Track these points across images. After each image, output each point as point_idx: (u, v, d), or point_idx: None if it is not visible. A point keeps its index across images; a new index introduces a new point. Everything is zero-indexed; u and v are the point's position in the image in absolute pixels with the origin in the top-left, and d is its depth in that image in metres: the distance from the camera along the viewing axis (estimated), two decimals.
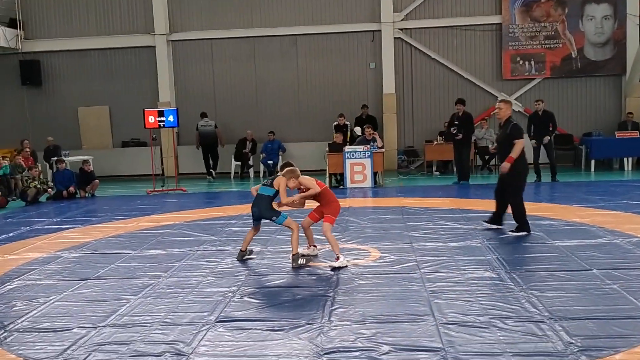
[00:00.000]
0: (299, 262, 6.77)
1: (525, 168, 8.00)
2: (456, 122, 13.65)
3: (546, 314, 4.94)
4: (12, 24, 17.62)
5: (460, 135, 13.51)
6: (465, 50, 17.20)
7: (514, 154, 7.72)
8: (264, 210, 6.94)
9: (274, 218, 6.92)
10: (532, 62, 16.90)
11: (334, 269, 6.59)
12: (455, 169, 14.27)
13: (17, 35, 17.63)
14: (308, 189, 7.05)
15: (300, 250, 7.04)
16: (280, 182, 6.98)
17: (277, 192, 6.98)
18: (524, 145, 7.84)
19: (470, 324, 4.80)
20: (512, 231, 7.94)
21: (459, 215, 9.49)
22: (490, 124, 16.57)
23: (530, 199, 11.11)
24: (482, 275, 6.18)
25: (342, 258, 6.71)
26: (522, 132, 7.91)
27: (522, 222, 7.91)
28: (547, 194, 11.78)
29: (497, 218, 8.27)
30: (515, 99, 16.92)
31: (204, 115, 16.97)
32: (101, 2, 17.83)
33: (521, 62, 16.94)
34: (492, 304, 5.24)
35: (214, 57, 17.80)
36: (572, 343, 4.33)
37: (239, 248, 7.37)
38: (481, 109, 17.04)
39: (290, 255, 6.86)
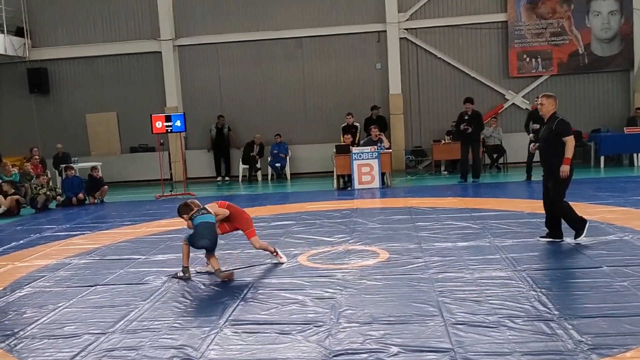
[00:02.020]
0: (225, 273, 6.52)
1: (572, 169, 7.18)
2: (466, 118, 13.66)
3: (556, 312, 4.91)
4: (19, 32, 17.74)
5: (470, 129, 13.49)
6: (471, 49, 17.14)
7: (569, 153, 7.03)
8: (215, 240, 6.62)
9: (214, 247, 6.74)
10: (539, 59, 16.82)
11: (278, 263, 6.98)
12: (462, 167, 14.19)
13: (25, 43, 17.75)
14: (218, 214, 6.79)
15: (200, 267, 6.96)
16: (214, 208, 6.81)
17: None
18: (574, 142, 7.17)
19: (479, 323, 4.77)
20: (576, 239, 7.19)
21: (468, 215, 9.45)
22: (499, 122, 16.51)
23: (539, 197, 11.07)
24: (491, 274, 6.15)
25: (282, 255, 7.12)
26: (571, 128, 7.18)
27: (578, 223, 7.20)
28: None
29: (554, 230, 7.40)
30: (522, 97, 16.85)
31: (220, 117, 17.20)
32: (107, 9, 17.92)
33: (528, 59, 16.86)
34: (501, 304, 5.21)
35: (219, 61, 17.84)
36: (582, 341, 4.30)
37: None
38: (488, 107, 16.96)
39: (215, 271, 6.57)
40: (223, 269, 6.73)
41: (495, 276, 6.08)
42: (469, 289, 5.68)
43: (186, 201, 6.96)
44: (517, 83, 17.04)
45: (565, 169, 7.01)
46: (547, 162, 7.30)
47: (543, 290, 5.50)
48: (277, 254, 7.12)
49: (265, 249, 7.09)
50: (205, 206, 6.81)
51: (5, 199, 12.95)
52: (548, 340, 4.38)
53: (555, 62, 16.77)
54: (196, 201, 6.98)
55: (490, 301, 5.29)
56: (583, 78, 16.92)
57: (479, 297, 5.44)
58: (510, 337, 4.48)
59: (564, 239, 7.33)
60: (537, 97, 13.63)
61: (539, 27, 16.74)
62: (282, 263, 7.04)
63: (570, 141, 7.05)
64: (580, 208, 9.42)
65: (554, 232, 7.37)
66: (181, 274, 6.69)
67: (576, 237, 7.23)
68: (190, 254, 6.79)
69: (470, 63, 17.12)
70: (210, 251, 6.66)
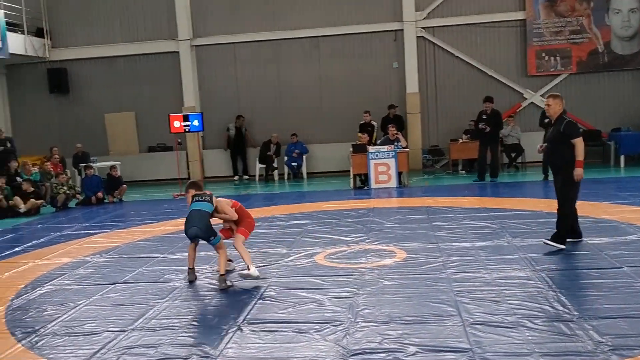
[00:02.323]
0: (226, 284, 6.27)
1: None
2: (484, 117, 13.60)
3: (575, 313, 4.87)
4: (39, 33, 17.94)
5: (489, 129, 13.44)
6: (489, 48, 17.03)
7: (580, 155, 6.80)
8: (204, 228, 6.36)
9: (212, 238, 6.42)
10: (558, 58, 16.66)
11: (242, 275, 6.36)
12: (479, 166, 14.14)
13: (45, 44, 17.94)
14: (225, 213, 6.56)
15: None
16: (223, 205, 6.59)
17: (215, 209, 6.51)
18: (583, 143, 6.91)
19: (498, 324, 4.75)
20: (547, 240, 7.05)
21: (486, 215, 9.39)
22: (517, 121, 16.39)
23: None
24: (509, 274, 6.11)
25: (253, 269, 6.33)
26: (579, 130, 6.98)
27: (563, 235, 7.00)
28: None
29: (572, 231, 7.20)
30: (541, 96, 16.70)
31: (239, 117, 17.34)
32: (125, 10, 18.07)
33: (546, 57, 16.71)
34: (520, 304, 5.18)
35: (237, 61, 17.90)
36: (602, 342, 4.26)
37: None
38: (507, 106, 16.83)
39: (218, 276, 6.37)
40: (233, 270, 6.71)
41: (513, 276, 6.04)
42: (487, 289, 5.64)
43: (197, 181, 6.86)
44: (536, 82, 16.90)
45: (579, 172, 6.82)
46: (554, 164, 7.13)
47: (562, 290, 5.45)
48: (248, 268, 6.40)
49: (240, 254, 6.48)
50: (217, 199, 6.60)
51: (25, 198, 13.09)
52: (568, 341, 4.35)
53: (575, 61, 16.60)
54: (207, 191, 6.83)
55: (508, 301, 5.26)
56: (603, 76, 16.73)
57: (498, 297, 5.41)
58: (529, 337, 4.45)
59: (583, 238, 7.25)
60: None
61: (558, 25, 16.58)
62: (252, 276, 6.34)
63: (579, 143, 6.84)
64: (601, 208, 9.37)
65: (573, 232, 7.21)
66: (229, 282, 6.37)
67: (552, 240, 7.00)
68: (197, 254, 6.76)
69: (488, 62, 17.01)
70: (191, 239, 6.50)
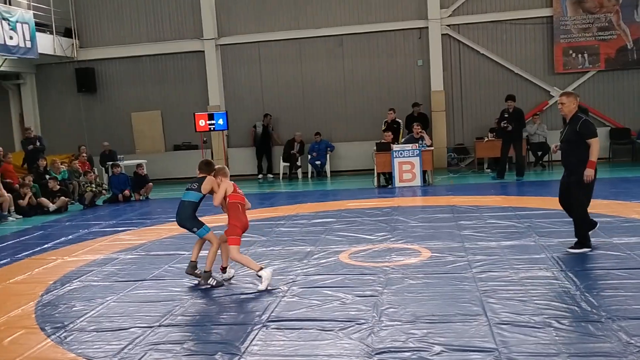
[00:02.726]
0: (208, 282, 6.26)
1: (595, 171, 6.76)
2: (506, 116, 13.54)
3: (603, 313, 4.80)
4: (67, 33, 18.22)
5: (511, 127, 13.37)
6: (515, 45, 16.84)
7: (594, 156, 6.58)
8: (184, 219, 6.33)
9: (195, 229, 6.32)
10: (586, 55, 16.41)
11: (261, 285, 6.01)
12: (500, 165, 14.12)
13: (73, 44, 18.21)
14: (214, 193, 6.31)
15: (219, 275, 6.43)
16: (211, 182, 6.32)
17: (203, 197, 6.36)
18: (599, 144, 6.70)
19: (525, 324, 4.70)
20: (571, 248, 6.84)
21: (512, 214, 9.30)
22: (543, 119, 16.19)
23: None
24: (536, 274, 6.05)
25: (264, 272, 6.03)
26: (595, 129, 6.74)
27: (585, 237, 6.83)
28: (603, 190, 11.40)
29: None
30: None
31: (266, 115, 17.46)
32: (152, 10, 18.25)
33: (574, 55, 16.47)
34: (547, 304, 5.12)
35: (261, 60, 17.96)
36: (631, 343, 4.19)
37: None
38: (533, 104, 16.64)
39: (203, 271, 6.33)
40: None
41: (540, 276, 5.97)
42: (513, 289, 5.59)
43: (208, 160, 6.64)
44: (563, 79, 16.66)
45: (589, 172, 6.61)
46: (569, 164, 6.86)
47: (590, 290, 5.38)
48: (258, 275, 6.12)
49: (243, 263, 6.26)
50: (222, 179, 6.33)
51: (52, 195, 13.31)
52: (596, 342, 4.29)
53: (603, 58, 16.33)
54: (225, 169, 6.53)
55: (535, 301, 5.21)
56: (631, 74, 16.42)
57: (524, 296, 5.35)
58: (556, 337, 4.40)
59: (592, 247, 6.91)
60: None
61: (585, 22, 16.33)
62: (267, 278, 6.07)
63: (595, 143, 6.62)
64: (630, 207, 9.22)
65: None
66: (212, 282, 6.34)
67: (576, 247, 6.81)
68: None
69: (514, 59, 16.82)
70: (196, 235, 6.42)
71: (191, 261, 6.50)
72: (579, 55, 16.43)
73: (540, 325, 4.64)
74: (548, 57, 16.70)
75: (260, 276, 6.08)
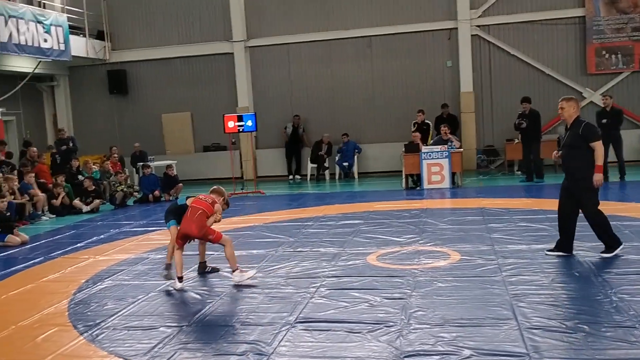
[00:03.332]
0: (165, 274, 6.56)
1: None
2: (520, 113, 13.69)
3: (637, 319, 4.70)
4: (99, 36, 18.53)
5: (525, 124, 13.41)
6: (547, 46, 16.61)
7: (600, 160, 6.42)
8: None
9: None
10: (619, 55, 16.10)
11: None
12: (525, 167, 14.15)
13: (105, 46, 18.52)
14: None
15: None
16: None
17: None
18: (603, 147, 6.56)
19: (556, 328, 4.63)
20: (603, 253, 6.62)
21: (543, 217, 9.15)
22: None
23: (617, 198, 10.63)
24: (568, 278, 5.95)
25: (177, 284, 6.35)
26: (599, 132, 6.60)
27: (611, 237, 6.65)
28: (635, 193, 11.17)
29: (565, 244, 6.82)
30: (601, 94, 16.17)
31: (296, 117, 17.57)
32: (182, 13, 18.45)
33: (607, 55, 16.18)
34: (579, 309, 5.04)
35: (290, 61, 18.03)
36: None
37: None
38: None
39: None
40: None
41: (572, 280, 5.88)
42: (544, 293, 5.52)
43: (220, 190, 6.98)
44: (596, 80, 16.38)
45: (599, 177, 6.45)
46: (571, 170, 6.65)
47: (624, 295, 5.27)
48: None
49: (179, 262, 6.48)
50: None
51: (85, 197, 13.52)
52: (629, 348, 4.21)
53: (637, 58, 16.00)
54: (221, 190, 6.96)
55: (567, 306, 5.13)
56: None
57: (556, 301, 5.28)
58: (589, 343, 4.33)
59: (574, 253, 6.77)
60: (604, 96, 13.36)
61: (619, 22, 16.03)
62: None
63: (599, 147, 6.45)
64: None
65: (566, 245, 6.78)
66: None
67: (605, 252, 6.59)
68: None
69: (546, 60, 16.59)
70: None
71: (168, 263, 6.69)
72: (612, 56, 16.15)
73: (572, 331, 4.57)
74: (580, 58, 16.44)
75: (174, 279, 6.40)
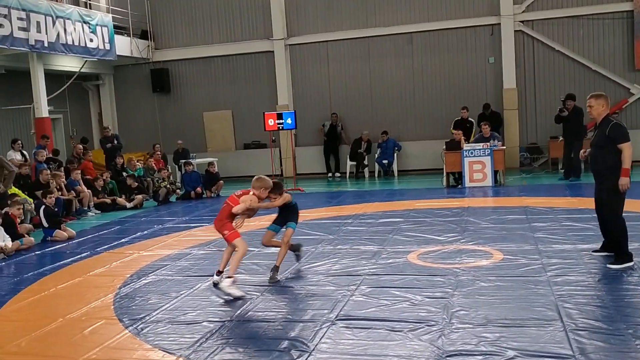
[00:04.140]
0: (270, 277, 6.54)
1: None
2: (560, 108, 13.59)
3: None
4: (143, 35, 18.89)
5: (566, 112, 13.29)
6: (593, 41, 16.21)
7: (627, 163, 6.07)
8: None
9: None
10: None
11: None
12: (565, 165, 13.96)
13: (148, 45, 18.87)
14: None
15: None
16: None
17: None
18: (632, 149, 6.14)
19: (603, 330, 4.52)
20: (611, 264, 6.24)
21: (589, 216, 8.90)
22: (622, 118, 15.49)
23: None
24: (614, 279, 5.80)
25: (225, 280, 6.09)
26: (627, 133, 6.20)
27: (623, 251, 6.26)
28: None
29: (610, 245, 6.54)
30: None
31: (333, 115, 17.64)
32: (223, 12, 18.65)
33: None
34: (627, 310, 4.92)
35: (329, 59, 18.04)
36: None
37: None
38: (611, 102, 15.82)
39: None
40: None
41: (619, 281, 5.73)
42: (590, 294, 5.39)
43: (278, 181, 6.93)
44: None
45: (625, 181, 6.09)
46: (598, 171, 6.35)
47: None
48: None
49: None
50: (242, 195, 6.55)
51: (129, 191, 13.81)
52: None
53: None
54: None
55: (614, 307, 5.01)
56: None
57: (602, 302, 5.15)
58: (637, 346, 4.21)
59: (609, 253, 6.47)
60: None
61: None
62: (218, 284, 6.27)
63: (627, 148, 6.08)
64: None
65: (611, 243, 6.47)
66: (272, 274, 6.53)
67: (614, 263, 6.22)
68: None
69: (592, 55, 16.19)
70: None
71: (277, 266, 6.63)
72: None
73: (620, 333, 4.46)
74: (628, 53, 15.98)
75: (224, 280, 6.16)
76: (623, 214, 6.31)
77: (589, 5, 16.01)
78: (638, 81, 15.90)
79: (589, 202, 10.18)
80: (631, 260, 6.21)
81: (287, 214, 6.85)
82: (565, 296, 5.35)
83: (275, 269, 6.59)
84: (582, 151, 6.92)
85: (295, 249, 7.10)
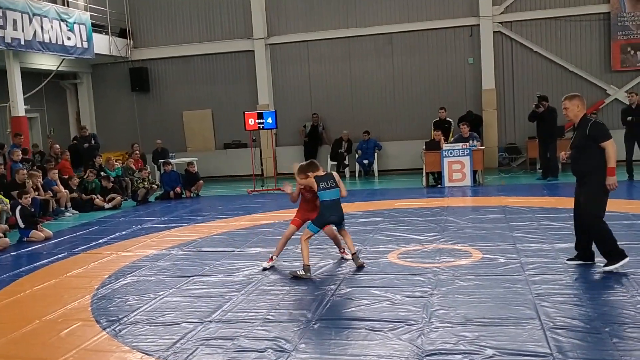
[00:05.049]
0: (360, 261, 6.80)
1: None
2: (537, 97, 13.78)
3: None
4: (122, 34, 18.70)
5: (542, 108, 13.43)
6: (570, 42, 16.40)
7: (612, 161, 5.86)
8: (342, 213, 6.84)
9: (343, 222, 6.92)
10: None
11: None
12: (542, 165, 14.16)
13: (127, 44, 18.68)
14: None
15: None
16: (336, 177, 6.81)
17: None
18: (615, 146, 5.93)
19: (580, 329, 4.57)
20: (605, 266, 6.04)
21: (566, 215, 9.00)
22: (600, 118, 15.66)
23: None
24: (592, 278, 5.87)
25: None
26: (608, 131, 5.98)
27: (613, 250, 6.02)
28: None
29: (585, 252, 6.34)
30: (626, 92, 15.93)
31: (314, 115, 17.61)
32: (203, 11, 18.54)
33: (632, 52, 15.92)
34: (604, 308, 4.97)
35: (310, 59, 18.03)
36: None
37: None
38: (589, 103, 15.92)
39: (353, 254, 6.84)
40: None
41: (597, 280, 5.80)
42: (568, 293, 5.45)
43: (313, 161, 7.07)
44: (620, 77, 16.14)
45: (612, 180, 5.87)
46: (581, 172, 6.13)
47: None
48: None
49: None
50: (333, 174, 6.78)
51: (104, 195, 13.64)
52: None
53: None
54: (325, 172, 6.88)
55: (591, 305, 5.06)
56: None
57: (580, 301, 5.21)
58: (615, 344, 4.26)
59: (595, 261, 6.26)
60: (630, 93, 13.19)
61: None
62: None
63: (610, 146, 5.86)
64: None
65: (586, 253, 6.30)
66: (302, 273, 6.51)
67: (608, 265, 6.00)
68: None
69: (569, 57, 16.39)
70: (338, 225, 6.81)
71: (306, 265, 6.57)
72: (638, 53, 15.89)
73: (596, 331, 4.51)
74: (605, 55, 16.21)
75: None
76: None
77: (567, 7, 16.19)
78: (614, 82, 16.13)
79: (567, 202, 10.32)
80: (625, 256, 5.98)
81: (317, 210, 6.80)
82: (543, 295, 5.40)
83: (304, 267, 6.56)
84: (562, 153, 6.69)
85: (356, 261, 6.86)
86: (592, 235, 6.12)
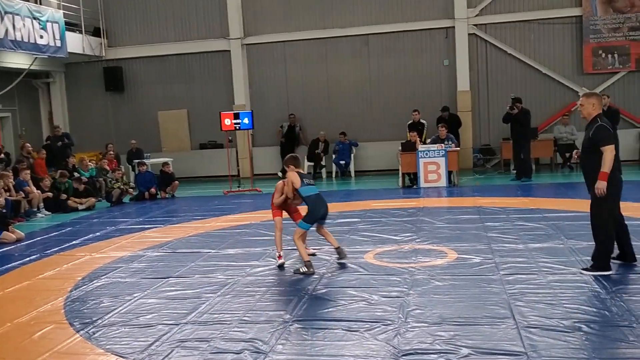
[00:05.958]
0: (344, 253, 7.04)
1: (616, 184, 5.97)
2: (512, 99, 13.95)
3: (634, 318, 4.71)
4: (96, 32, 18.45)
5: (516, 110, 13.59)
6: (543, 45, 16.62)
7: (606, 167, 5.76)
8: (327, 205, 7.06)
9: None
10: (616, 55, 16.12)
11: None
12: (513, 165, 14.34)
13: (101, 43, 18.45)
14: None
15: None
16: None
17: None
18: (614, 152, 5.84)
19: (554, 327, 4.64)
20: (585, 270, 6.04)
21: (540, 216, 9.18)
22: (572, 121, 15.93)
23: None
24: (565, 277, 5.96)
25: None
26: (611, 136, 5.88)
27: (603, 259, 5.97)
28: (632, 192, 11.19)
29: (623, 253, 6.27)
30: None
31: (291, 115, 17.59)
32: (179, 10, 18.40)
33: (604, 55, 16.20)
34: (577, 308, 5.05)
35: (287, 59, 18.00)
36: None
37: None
38: (561, 105, 16.43)
39: (339, 249, 7.07)
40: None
41: (569, 279, 5.88)
42: (542, 292, 5.52)
43: (296, 155, 7.26)
44: (592, 80, 16.40)
45: (601, 185, 5.78)
46: (585, 173, 6.13)
47: (622, 295, 5.29)
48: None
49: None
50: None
51: (76, 196, 13.43)
52: (627, 347, 4.22)
53: (634, 58, 16.03)
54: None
55: (564, 305, 5.13)
56: None
57: (553, 300, 5.28)
58: (586, 342, 4.33)
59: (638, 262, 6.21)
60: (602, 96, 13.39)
61: (616, 22, 16.05)
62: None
63: (608, 152, 5.77)
64: None
65: (625, 254, 6.25)
66: (304, 269, 6.61)
67: (589, 269, 6.00)
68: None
69: (542, 59, 16.61)
70: (322, 220, 6.97)
71: (308, 261, 6.71)
72: (609, 56, 16.17)
73: (570, 330, 4.58)
74: (577, 57, 16.47)
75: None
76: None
77: (540, 10, 16.41)
78: (586, 85, 16.36)
79: (540, 202, 10.52)
80: (609, 270, 5.90)
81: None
82: (517, 294, 5.46)
83: (305, 263, 6.68)
84: (575, 151, 6.88)
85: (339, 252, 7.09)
86: (595, 235, 6.07)
